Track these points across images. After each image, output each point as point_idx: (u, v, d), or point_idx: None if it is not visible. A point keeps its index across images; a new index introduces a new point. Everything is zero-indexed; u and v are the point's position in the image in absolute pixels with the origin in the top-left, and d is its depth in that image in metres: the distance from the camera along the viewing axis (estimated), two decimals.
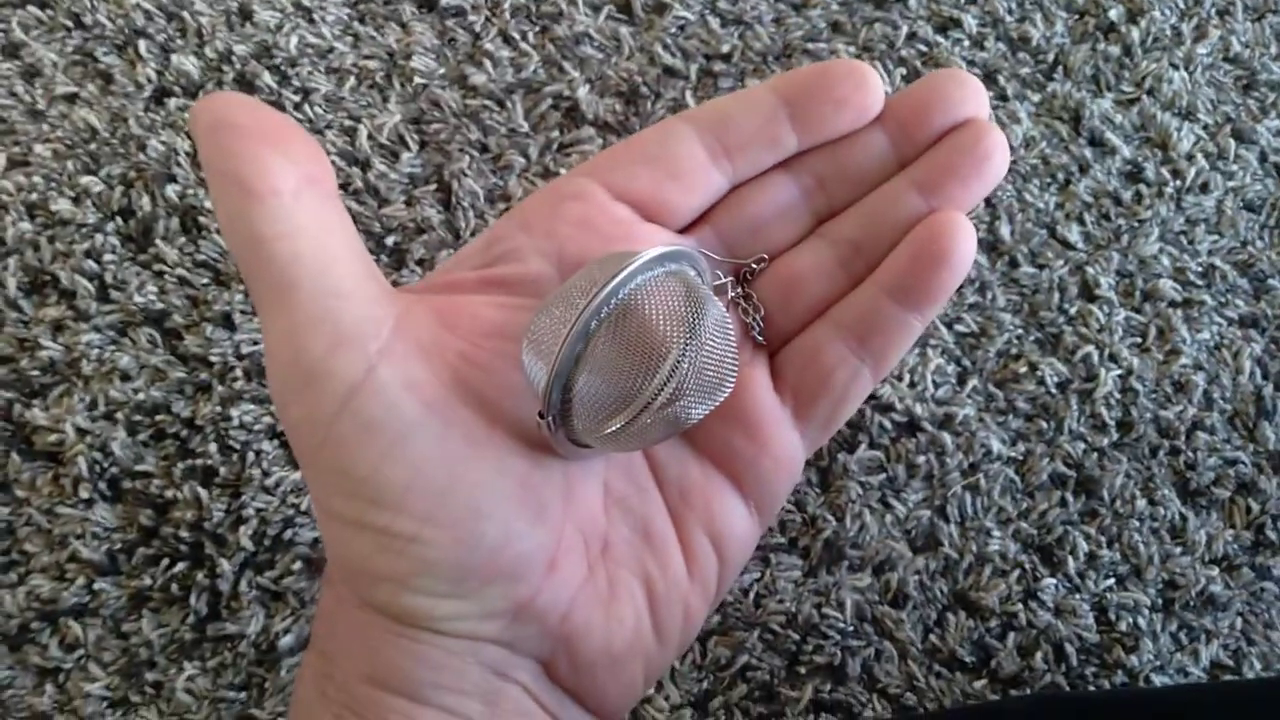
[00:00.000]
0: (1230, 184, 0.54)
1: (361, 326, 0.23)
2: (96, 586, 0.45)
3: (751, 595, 0.46)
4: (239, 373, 0.47)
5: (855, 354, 0.27)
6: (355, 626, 0.24)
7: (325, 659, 0.25)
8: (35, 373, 0.47)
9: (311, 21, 0.54)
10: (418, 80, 0.53)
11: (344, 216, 0.24)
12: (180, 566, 0.45)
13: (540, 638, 0.24)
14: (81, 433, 0.46)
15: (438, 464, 0.23)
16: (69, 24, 0.53)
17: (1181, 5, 0.57)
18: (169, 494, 0.46)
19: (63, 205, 0.50)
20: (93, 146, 0.51)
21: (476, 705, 0.24)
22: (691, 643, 0.41)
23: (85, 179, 0.50)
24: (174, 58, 0.53)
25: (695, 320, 0.24)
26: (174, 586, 0.45)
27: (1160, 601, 0.47)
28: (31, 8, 0.53)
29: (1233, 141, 0.54)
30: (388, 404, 0.23)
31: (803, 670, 0.45)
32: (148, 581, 0.45)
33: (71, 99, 0.52)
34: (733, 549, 0.27)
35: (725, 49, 0.55)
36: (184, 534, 0.45)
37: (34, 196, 0.50)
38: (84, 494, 0.46)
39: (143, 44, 0.53)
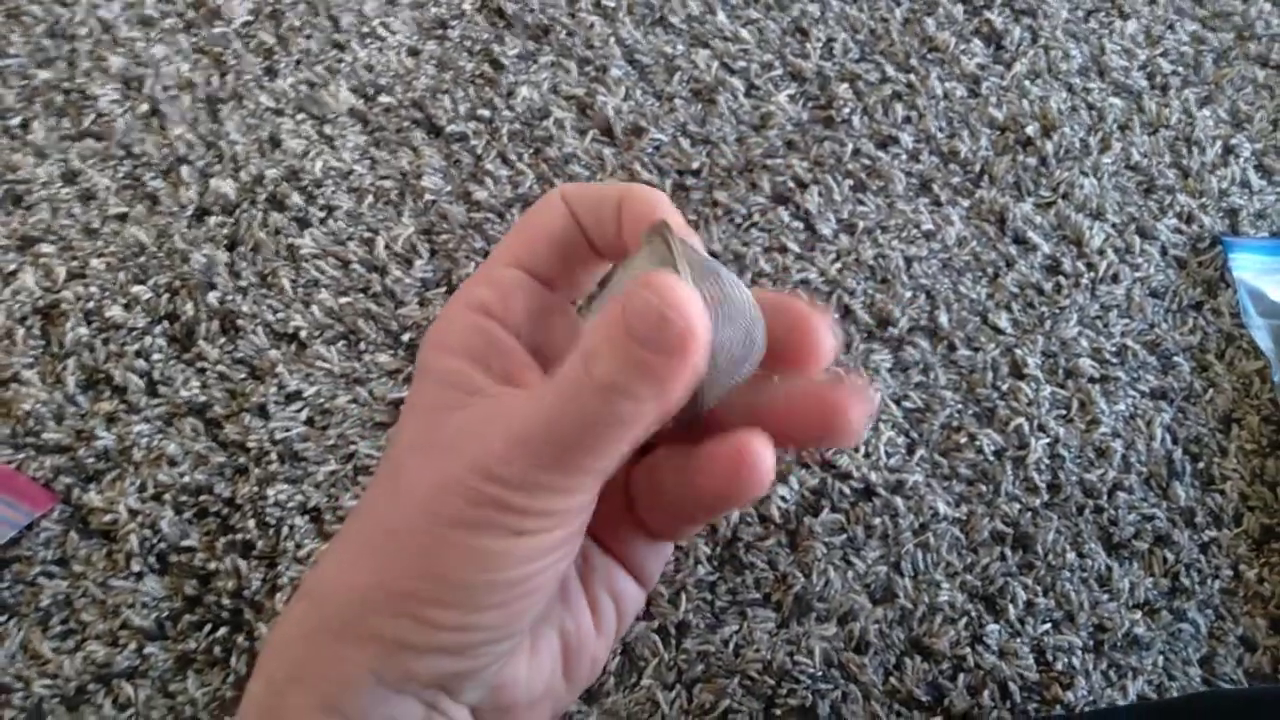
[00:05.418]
0: (1137, 274, 0.62)
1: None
2: (146, 651, 0.50)
3: (731, 646, 0.52)
4: (274, 456, 0.54)
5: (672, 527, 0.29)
6: (328, 660, 0.25)
7: (273, 691, 0.26)
8: (91, 460, 0.53)
9: (333, 148, 0.62)
10: (427, 197, 0.61)
11: None
12: (222, 631, 0.50)
13: (478, 686, 0.27)
14: (133, 513, 0.52)
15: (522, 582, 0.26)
16: (120, 153, 0.61)
17: (1088, 120, 0.66)
18: (211, 566, 0.52)
19: (115, 311, 0.56)
20: (142, 259, 0.58)
21: None
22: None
23: (136, 288, 0.57)
24: (212, 181, 0.60)
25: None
26: (216, 649, 0.50)
27: (1091, 643, 0.53)
28: (89, 140, 0.61)
29: (1137, 238, 0.63)
30: (533, 555, 0.25)
31: (779, 712, 0.51)
32: (192, 645, 0.50)
33: (123, 218, 0.59)
34: (628, 605, 0.31)
35: (695, 165, 0.63)
36: (225, 602, 0.51)
37: (90, 304, 0.56)
38: (135, 567, 0.51)
39: (185, 170, 0.60)
